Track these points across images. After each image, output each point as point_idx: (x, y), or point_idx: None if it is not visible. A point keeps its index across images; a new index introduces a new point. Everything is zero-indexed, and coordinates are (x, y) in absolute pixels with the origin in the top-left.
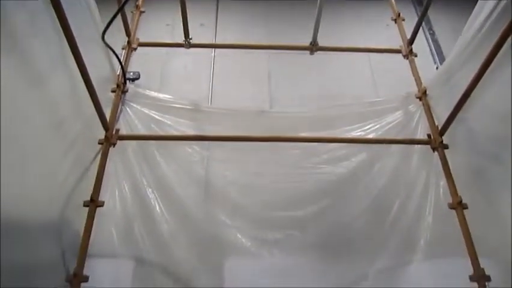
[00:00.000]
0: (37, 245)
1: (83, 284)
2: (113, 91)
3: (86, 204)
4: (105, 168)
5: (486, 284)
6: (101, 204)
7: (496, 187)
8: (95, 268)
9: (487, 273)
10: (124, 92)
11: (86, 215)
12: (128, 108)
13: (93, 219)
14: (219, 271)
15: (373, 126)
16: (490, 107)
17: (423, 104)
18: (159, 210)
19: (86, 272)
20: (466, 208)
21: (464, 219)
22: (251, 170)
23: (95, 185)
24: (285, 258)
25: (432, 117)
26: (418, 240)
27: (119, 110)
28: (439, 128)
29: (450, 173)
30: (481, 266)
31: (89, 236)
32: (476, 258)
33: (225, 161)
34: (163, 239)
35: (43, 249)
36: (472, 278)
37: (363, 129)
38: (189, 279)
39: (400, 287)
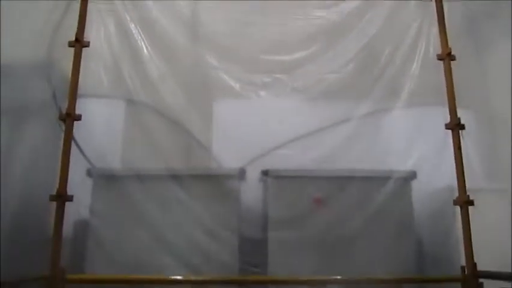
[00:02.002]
0: (27, 86)
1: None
2: None
3: (71, 45)
4: (87, 7)
5: (460, 132)
6: (87, 45)
7: (487, 40)
8: (87, 108)
9: (462, 122)
10: None
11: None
12: None
13: (79, 59)
14: (207, 112)
15: None
16: None
17: None
18: (146, 52)
19: (78, 112)
20: (454, 60)
21: (450, 70)
22: (240, 18)
23: (78, 24)
24: (272, 100)
25: None
26: (402, 88)
27: None
28: None
29: (444, 24)
30: (458, 116)
31: (77, 76)
32: (455, 108)
33: (214, 7)
34: (152, 80)
35: (34, 89)
36: (447, 126)
37: None
38: (179, 119)
39: (380, 130)
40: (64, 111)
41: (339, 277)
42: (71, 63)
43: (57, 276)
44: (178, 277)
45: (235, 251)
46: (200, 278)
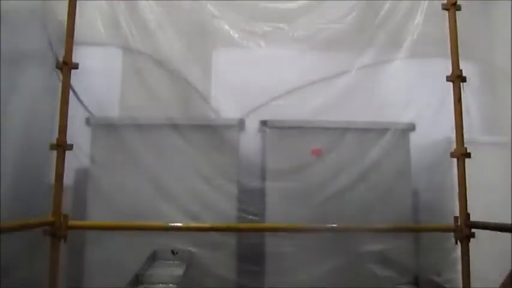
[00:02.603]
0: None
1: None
2: None
3: None
4: None
5: (461, 84)
6: None
7: None
8: (84, 57)
9: (464, 75)
10: None
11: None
12: None
13: (75, 5)
14: (206, 61)
15: None
16: None
17: None
18: None
19: (75, 60)
20: (459, 10)
21: (455, 20)
22: None
23: None
24: (272, 50)
25: None
26: (405, 39)
27: None
28: None
29: None
30: (460, 68)
31: (73, 24)
32: (458, 60)
33: None
34: (150, 28)
35: (30, 37)
36: (448, 78)
37: None
38: (178, 68)
39: (380, 82)
40: (61, 60)
41: (334, 225)
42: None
43: (59, 222)
44: (178, 224)
45: (233, 200)
46: (199, 225)
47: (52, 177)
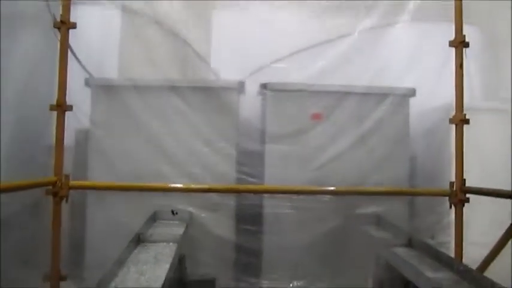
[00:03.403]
0: None
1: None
2: None
3: None
4: None
5: (463, 49)
6: None
7: None
8: (82, 15)
9: (467, 40)
10: None
11: None
12: None
13: None
14: (206, 22)
15: None
16: None
17: None
18: None
19: (73, 20)
20: None
21: None
22: None
23: None
24: (273, 12)
25: None
26: (408, 2)
27: None
28: None
29: None
30: (464, 33)
31: None
32: (461, 25)
33: None
34: None
35: None
36: (451, 43)
37: None
38: (177, 28)
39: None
40: (58, 19)
41: (332, 188)
42: None
43: (61, 182)
44: (178, 185)
45: (233, 162)
46: (199, 186)
47: (53, 139)
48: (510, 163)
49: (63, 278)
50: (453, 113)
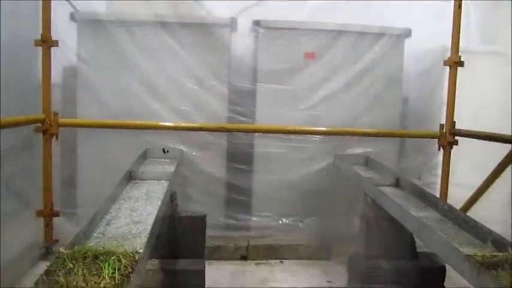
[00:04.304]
0: None
1: None
2: None
3: None
4: None
5: None
6: None
7: None
8: None
9: None
10: None
11: None
12: None
13: None
14: None
15: None
16: None
17: None
18: None
19: None
20: None
21: None
22: None
23: None
24: None
25: None
26: None
27: None
28: None
29: None
30: None
31: None
32: None
33: None
34: None
35: None
36: None
37: None
38: None
39: None
40: None
41: (323, 128)
42: None
43: (50, 120)
44: (169, 123)
45: (224, 101)
46: (190, 124)
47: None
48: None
49: (56, 214)
50: (448, 54)
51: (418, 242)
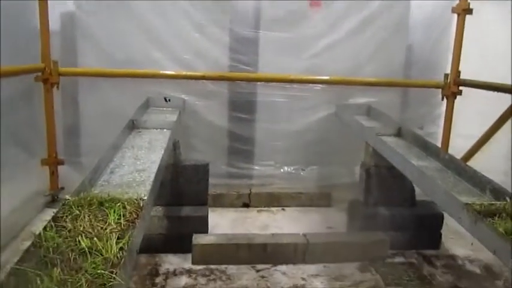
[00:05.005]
0: None
1: None
2: None
3: None
4: None
5: None
6: None
7: None
8: None
9: None
10: None
11: None
12: None
13: None
14: None
15: None
16: None
17: None
18: None
19: None
20: None
21: None
22: None
23: None
24: None
25: None
26: None
27: None
28: None
29: None
30: None
31: None
32: None
33: None
34: None
35: None
36: None
37: None
38: None
39: None
40: None
41: (326, 77)
42: None
43: (49, 69)
44: (170, 72)
45: (225, 49)
46: (191, 73)
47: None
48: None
49: (60, 163)
50: (456, 1)
51: (417, 191)
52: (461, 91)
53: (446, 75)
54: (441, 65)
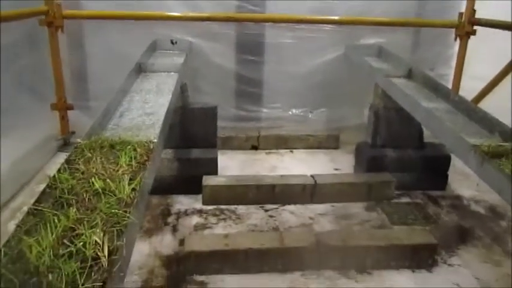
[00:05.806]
0: None
1: None
2: None
3: None
4: None
5: None
6: None
7: None
8: None
9: None
10: None
11: None
12: None
13: None
14: None
15: None
16: None
17: None
18: None
19: None
20: None
21: None
22: None
23: None
24: None
25: None
26: None
27: None
28: None
29: None
30: None
31: None
32: None
33: None
34: None
35: None
36: None
37: None
38: None
39: None
40: None
41: (335, 17)
42: None
43: (53, 12)
44: (176, 13)
45: None
46: (197, 14)
47: None
48: None
49: (70, 108)
50: None
51: (426, 133)
52: (475, 31)
53: (460, 14)
54: (454, 4)
